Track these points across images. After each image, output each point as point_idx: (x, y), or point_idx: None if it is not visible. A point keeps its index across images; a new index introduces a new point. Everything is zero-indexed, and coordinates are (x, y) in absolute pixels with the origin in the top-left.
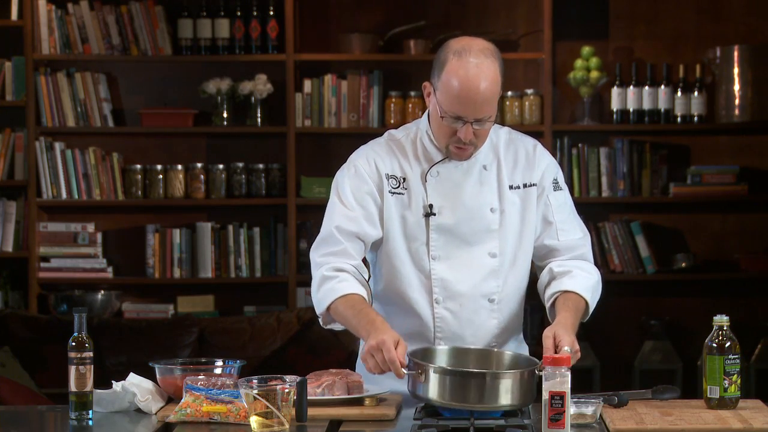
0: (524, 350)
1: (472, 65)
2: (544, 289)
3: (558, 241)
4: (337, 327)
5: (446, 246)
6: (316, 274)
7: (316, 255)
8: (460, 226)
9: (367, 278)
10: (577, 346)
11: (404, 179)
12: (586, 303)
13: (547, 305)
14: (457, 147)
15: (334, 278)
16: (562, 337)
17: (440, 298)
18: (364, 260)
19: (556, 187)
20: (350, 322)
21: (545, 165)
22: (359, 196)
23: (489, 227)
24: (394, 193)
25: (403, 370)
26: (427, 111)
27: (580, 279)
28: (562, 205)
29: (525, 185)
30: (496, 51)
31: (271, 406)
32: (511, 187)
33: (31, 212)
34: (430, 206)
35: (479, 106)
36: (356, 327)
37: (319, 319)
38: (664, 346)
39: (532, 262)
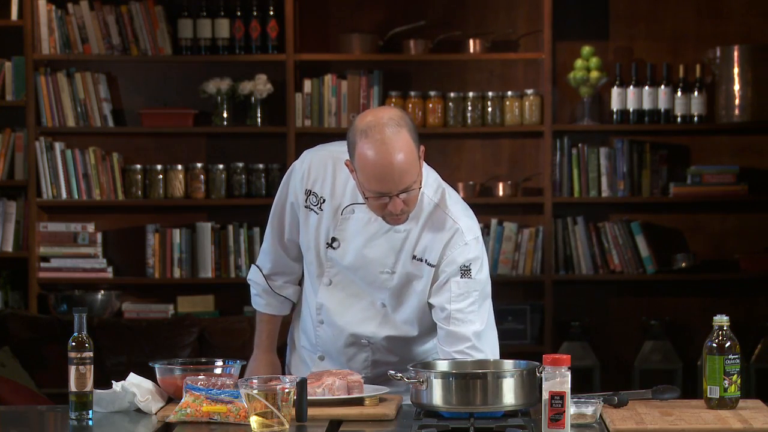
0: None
1: (380, 142)
2: None
3: (447, 328)
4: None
5: (338, 277)
6: (251, 268)
7: (259, 258)
8: (354, 270)
9: (289, 286)
10: None
11: (323, 200)
12: None
13: None
14: (393, 216)
15: (251, 287)
16: None
17: (321, 320)
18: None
19: (465, 273)
20: (255, 337)
21: (456, 251)
22: (287, 213)
23: (379, 284)
24: (310, 208)
25: (404, 379)
26: None
27: None
28: (465, 294)
29: (424, 261)
30: (402, 116)
31: (271, 406)
32: (414, 257)
33: (31, 212)
34: (333, 239)
35: (399, 180)
36: (254, 343)
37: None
38: (664, 346)
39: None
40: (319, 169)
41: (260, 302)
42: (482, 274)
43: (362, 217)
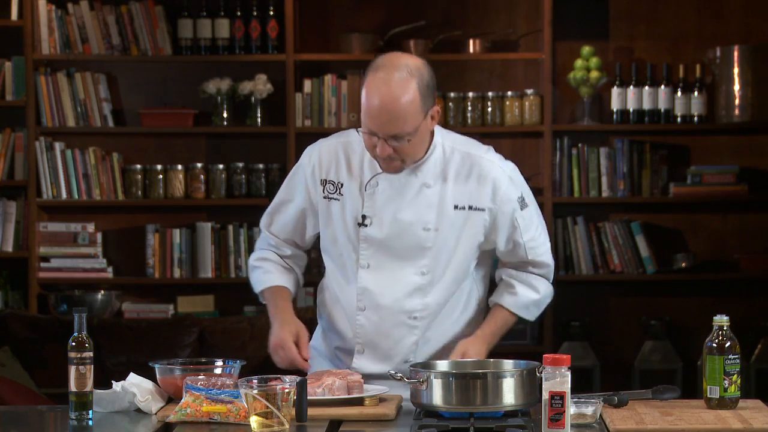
0: None
1: (383, 81)
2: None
3: (526, 259)
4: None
5: (376, 256)
6: (250, 258)
7: (259, 239)
8: (391, 240)
9: (298, 265)
10: (484, 358)
11: (342, 185)
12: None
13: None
14: (383, 160)
15: (259, 268)
16: (470, 354)
17: (363, 306)
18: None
19: (523, 205)
20: (269, 311)
21: (505, 189)
22: (293, 203)
23: (421, 245)
24: (330, 198)
25: (404, 379)
26: None
27: (519, 296)
28: (528, 224)
29: (471, 207)
30: (418, 68)
31: (271, 406)
32: (456, 207)
33: (31, 212)
34: (363, 217)
35: (389, 123)
36: (270, 317)
37: (260, 297)
38: (664, 346)
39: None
40: (330, 157)
41: (269, 278)
42: (531, 196)
43: (387, 186)
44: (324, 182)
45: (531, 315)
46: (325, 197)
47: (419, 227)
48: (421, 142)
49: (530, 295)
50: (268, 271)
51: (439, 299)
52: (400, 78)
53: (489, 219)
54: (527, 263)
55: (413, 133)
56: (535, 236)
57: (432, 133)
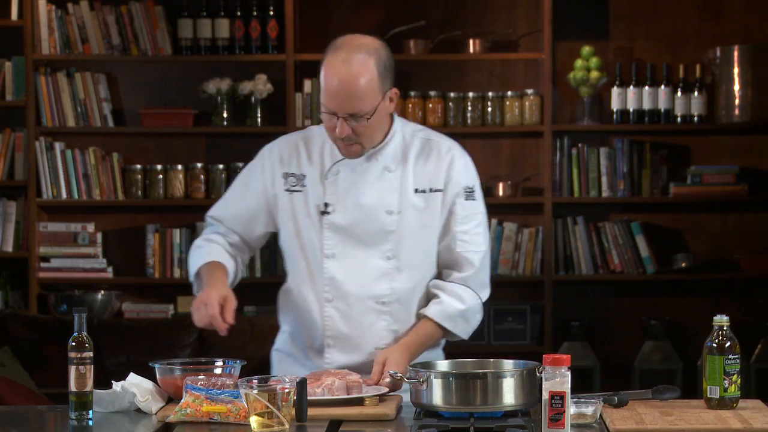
0: (436, 356)
1: (340, 60)
2: None
3: (453, 252)
4: None
5: (340, 245)
6: (194, 243)
7: (204, 229)
8: (355, 226)
9: (242, 258)
10: (404, 368)
11: (304, 176)
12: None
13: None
14: (342, 143)
15: (202, 248)
16: (390, 362)
17: (330, 297)
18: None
19: (469, 196)
20: (203, 280)
21: (457, 171)
22: (247, 195)
23: (384, 229)
24: (292, 191)
25: (404, 379)
26: None
27: (443, 305)
28: (469, 216)
29: (431, 189)
30: (376, 49)
31: (271, 406)
32: (416, 191)
33: (31, 212)
34: (326, 204)
35: (347, 101)
36: (203, 284)
37: (194, 288)
38: (664, 346)
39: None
40: (291, 150)
41: (210, 255)
42: (481, 195)
43: (348, 173)
44: (286, 175)
45: (459, 329)
46: (287, 190)
47: (382, 210)
48: (378, 122)
49: (455, 305)
50: (210, 252)
51: (407, 284)
52: (358, 58)
53: (444, 200)
54: (452, 264)
55: (371, 112)
56: (470, 231)
57: (391, 118)
